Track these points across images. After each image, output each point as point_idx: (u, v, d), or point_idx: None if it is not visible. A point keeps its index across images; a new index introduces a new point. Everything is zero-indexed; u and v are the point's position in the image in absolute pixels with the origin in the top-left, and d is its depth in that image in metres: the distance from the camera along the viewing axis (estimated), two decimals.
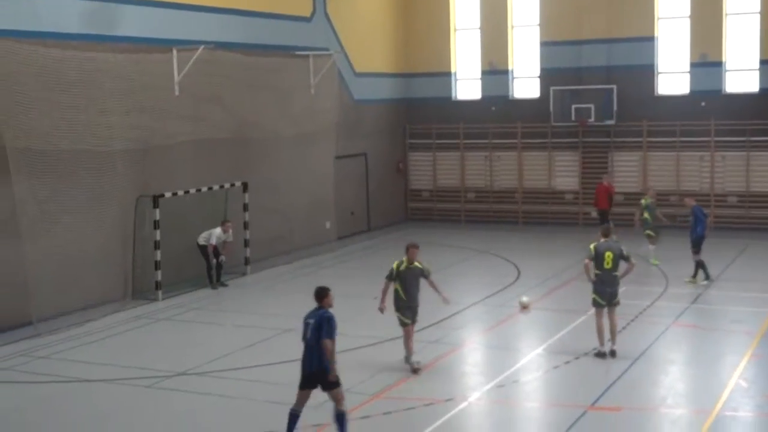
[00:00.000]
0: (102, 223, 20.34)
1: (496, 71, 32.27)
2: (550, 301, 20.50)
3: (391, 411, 13.19)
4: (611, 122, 30.24)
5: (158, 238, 21.09)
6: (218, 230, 22.13)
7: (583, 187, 30.85)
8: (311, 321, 11.75)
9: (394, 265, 15.08)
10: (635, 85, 30.11)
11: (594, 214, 28.57)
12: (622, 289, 16.11)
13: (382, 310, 15.14)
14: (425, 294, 15.39)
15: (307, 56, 27.25)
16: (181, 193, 21.91)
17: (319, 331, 11.59)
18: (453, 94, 33.25)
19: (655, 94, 30.36)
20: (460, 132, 32.72)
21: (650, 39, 30.16)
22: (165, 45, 22.16)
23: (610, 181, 28.71)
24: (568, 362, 15.61)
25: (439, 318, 17.92)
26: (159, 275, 21.16)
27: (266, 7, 25.90)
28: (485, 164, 32.68)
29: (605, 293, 15.78)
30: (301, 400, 11.92)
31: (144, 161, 21.32)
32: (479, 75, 32.74)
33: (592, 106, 30.15)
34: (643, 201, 24.17)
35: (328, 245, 27.99)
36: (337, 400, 11.78)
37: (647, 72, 30.23)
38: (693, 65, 29.81)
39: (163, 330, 19.00)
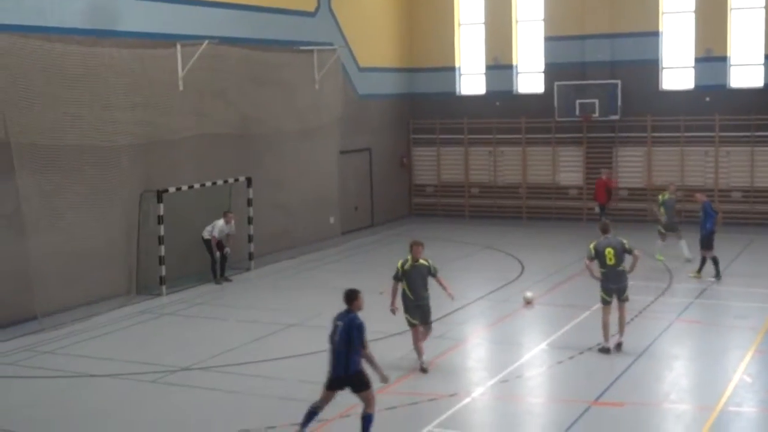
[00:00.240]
0: (106, 218, 20.38)
1: (500, 66, 32.25)
2: (554, 296, 20.49)
3: (395, 406, 13.20)
4: (615, 117, 30.21)
5: (162, 233, 21.12)
6: (221, 222, 22.12)
7: (588, 182, 30.83)
8: (340, 323, 11.69)
9: (399, 264, 14.90)
10: (639, 80, 30.08)
11: (597, 209, 28.57)
12: (630, 284, 16.07)
13: (393, 311, 14.91)
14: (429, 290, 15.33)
15: (311, 51, 27.25)
16: (185, 188, 21.93)
17: (348, 336, 11.53)
18: (457, 89, 33.23)
19: (660, 89, 30.32)
20: (464, 127, 32.70)
21: (655, 34, 30.11)
22: (169, 40, 22.16)
23: (609, 175, 28.77)
24: (572, 357, 15.61)
25: (442, 313, 17.92)
26: (163, 270, 21.19)
27: (270, 2, 25.88)
28: (489, 159, 32.66)
29: (612, 290, 15.76)
30: (325, 400, 11.85)
31: (148, 156, 21.34)
32: (483, 70, 32.72)
33: (596, 101, 30.11)
34: (660, 196, 23.96)
35: (332, 240, 28.03)
36: (368, 402, 11.72)
37: (651, 67, 30.18)
38: (697, 60, 29.77)
39: (167, 325, 19.02)
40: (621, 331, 15.87)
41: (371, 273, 22.85)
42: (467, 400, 13.58)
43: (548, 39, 31.43)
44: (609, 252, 15.64)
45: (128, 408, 13.83)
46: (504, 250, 26.12)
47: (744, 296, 20.30)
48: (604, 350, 15.76)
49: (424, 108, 33.32)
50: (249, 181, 24.03)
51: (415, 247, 14.85)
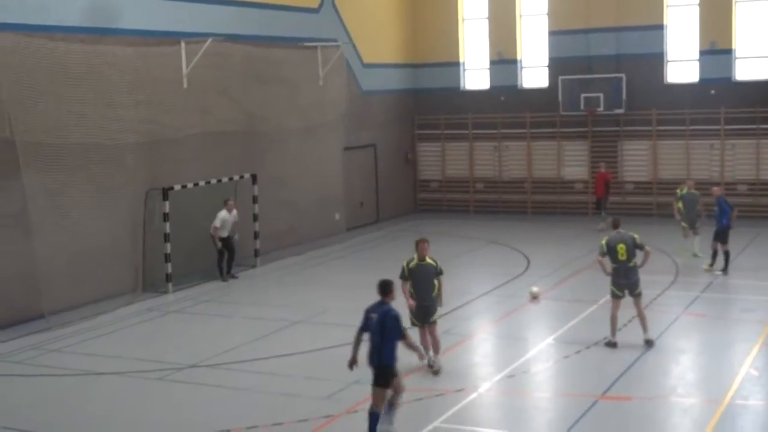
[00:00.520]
0: (112, 217, 20.41)
1: (504, 61, 32.21)
2: (560, 291, 20.48)
3: (402, 402, 13.16)
4: (620, 111, 30.17)
5: (168, 230, 21.13)
6: (223, 212, 22.07)
7: (593, 176, 30.73)
8: (374, 315, 11.69)
9: (405, 263, 14.58)
10: (644, 74, 30.03)
11: (593, 206, 28.61)
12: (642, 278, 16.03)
13: (410, 307, 14.51)
14: None
15: (315, 47, 27.23)
16: (190, 185, 21.93)
17: (383, 327, 11.55)
18: (461, 85, 33.21)
19: (665, 82, 30.26)
20: (469, 122, 32.68)
21: (659, 27, 30.05)
22: (173, 37, 22.16)
23: (606, 169, 28.79)
24: (578, 352, 15.60)
25: (449, 309, 17.91)
26: (169, 268, 21.21)
27: None
28: (494, 154, 32.64)
29: (622, 285, 15.74)
30: (378, 398, 11.67)
31: (153, 154, 21.36)
32: (488, 65, 32.69)
33: (601, 95, 30.06)
34: (678, 191, 23.73)
35: (337, 236, 28.04)
36: (378, 399, 11.67)
37: (656, 60, 30.13)
38: (702, 53, 29.71)
39: (173, 322, 19.05)
40: (644, 329, 15.78)
41: (377, 269, 22.80)
42: (474, 395, 13.58)
43: (552, 33, 31.38)
44: (621, 248, 15.62)
45: (135, 405, 13.85)
46: (509, 245, 26.11)
47: (751, 289, 20.28)
48: (611, 344, 15.75)
49: (429, 103, 33.30)
50: (254, 178, 24.02)
51: (421, 244, 14.58)
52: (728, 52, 29.34)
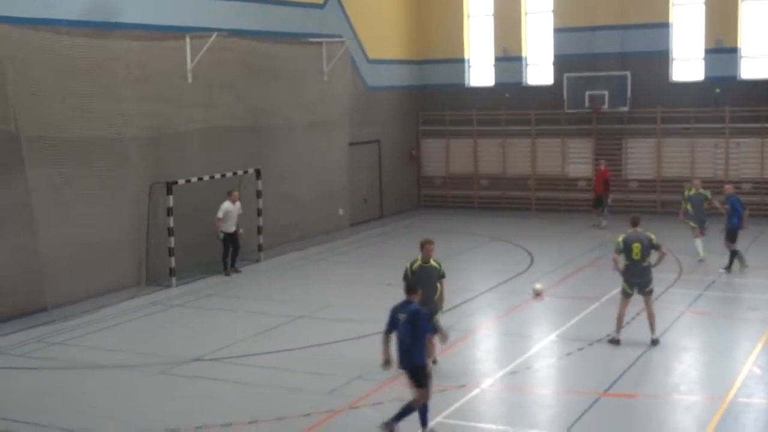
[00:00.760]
0: (116, 210, 20.44)
1: (509, 58, 32.18)
2: (564, 288, 20.47)
3: (403, 398, 13.17)
4: (625, 109, 30.13)
5: (172, 224, 21.15)
6: (226, 203, 22.06)
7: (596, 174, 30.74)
8: (402, 316, 11.68)
9: (408, 265, 14.24)
10: (649, 72, 29.98)
11: (609, 201, 28.54)
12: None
13: None
14: None
15: (320, 43, 27.22)
16: (194, 180, 21.95)
17: (413, 327, 11.56)
18: (466, 81, 33.19)
19: (670, 80, 30.22)
20: (474, 119, 32.66)
21: (665, 25, 29.99)
22: (178, 32, 22.16)
23: (606, 166, 28.76)
24: (581, 349, 15.60)
25: (451, 305, 17.90)
26: (173, 262, 21.23)
27: None
28: (498, 151, 32.62)
29: (634, 283, 15.71)
30: (422, 395, 11.70)
31: (157, 148, 21.38)
32: (493, 62, 32.66)
33: (606, 92, 30.03)
34: (686, 192, 23.33)
35: (341, 232, 28.05)
36: (419, 397, 11.66)
37: (661, 58, 30.07)
38: (708, 51, 29.66)
39: (176, 316, 19.07)
40: (652, 328, 15.73)
41: (380, 265, 22.87)
42: (476, 391, 13.58)
43: (557, 30, 31.34)
44: (636, 247, 15.57)
45: (137, 399, 13.87)
46: (513, 242, 26.10)
47: (754, 288, 20.26)
48: (614, 341, 15.74)
49: (433, 100, 33.28)
50: (258, 173, 24.04)
51: (427, 245, 14.16)
52: (734, 50, 29.28)
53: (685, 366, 15.05)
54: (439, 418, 12.31)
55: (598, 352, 15.51)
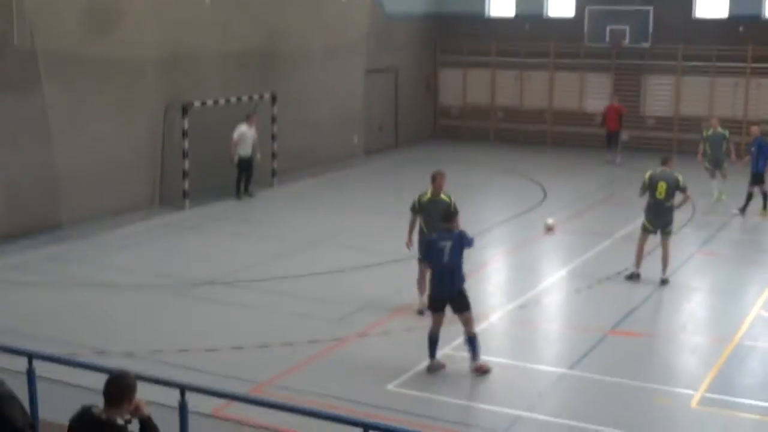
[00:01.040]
0: (131, 130, 20.44)
1: None
2: (576, 223, 20.47)
3: (412, 328, 13.33)
4: (646, 45, 29.75)
5: (186, 146, 21.14)
6: (243, 126, 22.03)
7: None
8: (447, 244, 11.73)
9: (417, 197, 13.80)
10: (672, 8, 29.51)
11: (625, 137, 28.32)
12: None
13: (408, 246, 14.00)
14: None
15: None
16: (210, 102, 21.88)
17: (461, 251, 11.77)
18: (486, 11, 32.76)
19: (693, 17, 29.76)
20: (492, 50, 32.30)
21: None
22: None
23: (620, 102, 28.49)
24: (590, 286, 15.67)
25: None
26: (186, 184, 21.27)
27: None
28: (516, 83, 32.34)
29: (655, 222, 15.64)
30: (438, 323, 11.90)
31: (174, 70, 21.26)
32: None
33: (627, 27, 29.62)
34: (704, 132, 22.97)
35: (355, 159, 27.99)
36: (468, 323, 11.84)
37: None
38: None
39: (189, 238, 19.20)
40: (664, 268, 15.68)
41: (394, 194, 22.87)
42: (485, 324, 13.63)
43: None
44: (661, 185, 15.42)
45: (151, 319, 14.04)
46: (527, 176, 26.03)
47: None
48: (633, 276, 15.73)
49: (452, 29, 32.87)
50: (273, 97, 23.92)
51: (438, 177, 13.66)
52: None
53: (693, 306, 15.14)
54: (446, 350, 12.41)
55: (607, 289, 15.59)
